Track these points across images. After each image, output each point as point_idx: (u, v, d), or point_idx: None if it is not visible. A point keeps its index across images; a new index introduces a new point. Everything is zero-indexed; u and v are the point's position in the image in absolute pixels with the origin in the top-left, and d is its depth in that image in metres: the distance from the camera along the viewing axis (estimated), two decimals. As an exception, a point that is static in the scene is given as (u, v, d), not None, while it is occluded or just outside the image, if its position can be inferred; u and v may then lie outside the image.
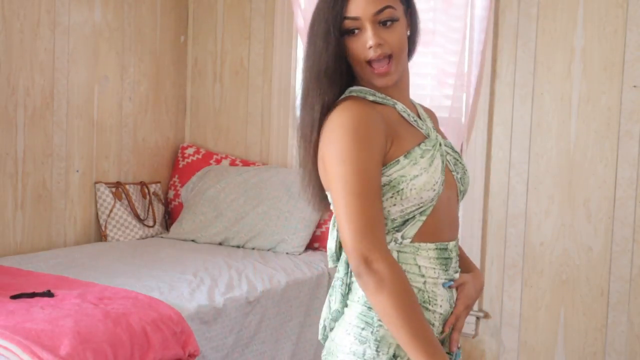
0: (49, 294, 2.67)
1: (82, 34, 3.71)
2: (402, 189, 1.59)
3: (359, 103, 1.61)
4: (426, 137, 1.68)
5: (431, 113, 1.87)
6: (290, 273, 3.28)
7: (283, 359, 3.11)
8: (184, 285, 2.95)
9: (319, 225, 3.74)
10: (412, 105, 1.76)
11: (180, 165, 4.22)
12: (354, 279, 1.63)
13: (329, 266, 1.76)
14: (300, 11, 3.75)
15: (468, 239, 3.60)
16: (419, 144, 1.64)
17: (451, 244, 1.68)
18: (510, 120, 3.50)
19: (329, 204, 1.72)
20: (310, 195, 1.73)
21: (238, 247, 3.74)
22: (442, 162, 1.66)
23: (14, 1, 3.38)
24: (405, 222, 1.63)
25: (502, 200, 3.53)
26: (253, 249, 3.70)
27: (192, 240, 3.83)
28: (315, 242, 3.74)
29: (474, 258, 3.58)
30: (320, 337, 1.76)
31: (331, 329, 1.71)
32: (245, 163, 4.11)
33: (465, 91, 3.48)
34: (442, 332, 1.66)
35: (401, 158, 1.61)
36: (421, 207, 1.62)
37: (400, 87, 1.71)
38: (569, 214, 3.39)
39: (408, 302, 1.50)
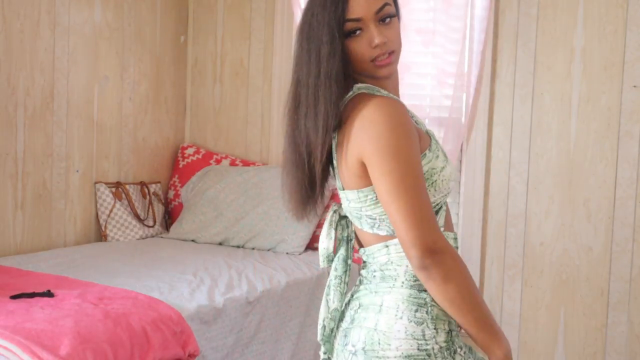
0: (49, 294, 2.67)
1: (82, 34, 3.71)
2: (435, 180, 1.62)
3: (390, 99, 1.60)
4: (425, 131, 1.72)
5: None
6: (290, 273, 3.28)
7: (283, 359, 3.11)
8: (184, 285, 2.95)
9: (319, 225, 3.74)
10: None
11: (180, 165, 4.22)
12: (373, 267, 1.65)
13: (321, 266, 1.74)
14: (300, 11, 3.75)
15: (468, 239, 3.59)
16: (431, 140, 1.67)
17: (454, 234, 1.71)
18: (510, 120, 3.50)
19: (311, 212, 1.72)
20: (294, 201, 1.72)
21: (238, 247, 3.74)
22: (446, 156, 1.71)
23: (13, 1, 3.38)
24: (437, 212, 1.64)
25: (502, 200, 3.53)
26: (253, 249, 3.70)
27: (192, 240, 3.83)
28: (315, 242, 3.74)
29: (474, 258, 3.58)
30: (319, 338, 1.75)
31: (331, 329, 1.70)
32: (245, 163, 4.11)
33: (465, 91, 3.48)
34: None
35: (427, 152, 1.63)
36: (445, 197, 1.66)
37: (394, 84, 1.72)
38: (569, 214, 3.39)
39: (473, 290, 1.55)
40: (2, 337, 2.25)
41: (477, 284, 3.57)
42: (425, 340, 1.59)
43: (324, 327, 1.72)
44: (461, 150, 3.57)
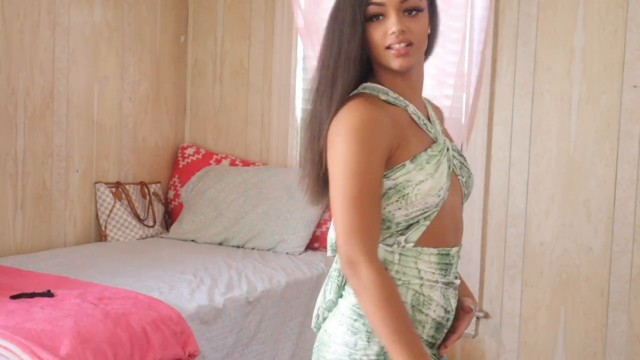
0: (49, 294, 2.67)
1: (82, 34, 3.71)
2: (408, 194, 1.60)
3: (367, 103, 1.60)
4: (434, 141, 1.67)
5: (438, 110, 1.85)
6: (290, 273, 3.28)
7: (283, 359, 3.11)
8: (184, 285, 2.95)
9: (319, 225, 3.74)
10: (423, 106, 1.74)
11: (180, 165, 4.22)
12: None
13: (328, 255, 1.75)
14: (300, 11, 3.75)
15: (468, 238, 3.59)
16: (425, 149, 1.63)
17: (454, 250, 1.68)
18: (510, 120, 3.50)
19: (325, 198, 1.71)
20: (307, 186, 1.72)
21: (238, 247, 3.74)
22: (449, 167, 1.66)
23: (13, 1, 3.38)
24: (409, 226, 1.63)
25: (502, 200, 3.53)
26: (253, 249, 3.70)
27: (192, 240, 3.83)
28: (315, 242, 3.74)
29: (474, 258, 3.58)
30: (313, 325, 1.77)
31: (324, 319, 1.71)
32: (245, 163, 4.11)
33: (465, 91, 3.48)
34: (436, 339, 1.66)
35: (407, 162, 1.61)
36: (425, 212, 1.62)
37: (413, 86, 1.70)
38: (569, 214, 3.39)
39: (389, 310, 1.51)
40: (2, 337, 2.25)
41: (477, 284, 3.58)
42: (356, 350, 1.60)
43: (318, 316, 1.73)
44: (461, 150, 3.57)
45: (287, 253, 3.62)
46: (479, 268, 3.59)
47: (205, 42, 4.28)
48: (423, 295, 1.63)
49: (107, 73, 3.86)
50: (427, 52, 1.74)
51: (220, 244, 3.78)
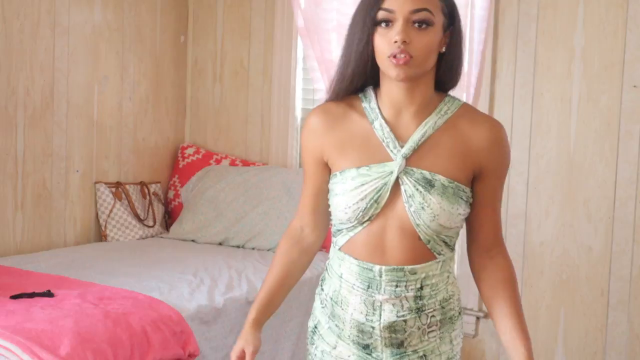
0: (49, 294, 2.67)
1: (82, 34, 3.71)
2: (331, 200, 1.75)
3: (319, 108, 1.76)
4: (385, 161, 1.68)
5: (473, 130, 1.73)
6: (290, 273, 3.27)
7: (283, 359, 3.11)
8: (184, 285, 2.95)
9: (319, 225, 3.73)
10: (410, 123, 1.71)
11: (180, 165, 4.22)
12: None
13: None
14: (300, 11, 3.75)
15: (468, 239, 3.59)
16: (360, 166, 1.68)
17: (378, 268, 1.70)
18: (510, 120, 3.50)
19: None
20: None
21: (238, 247, 3.74)
22: (380, 190, 1.67)
23: (14, 1, 3.38)
24: (337, 231, 1.77)
25: (502, 200, 3.52)
26: (253, 249, 3.70)
27: (192, 240, 3.83)
28: (315, 242, 3.73)
29: (474, 258, 3.58)
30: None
31: None
32: (245, 163, 4.11)
33: (465, 91, 3.48)
34: (364, 340, 1.77)
35: (337, 173, 1.72)
36: (344, 224, 1.73)
37: (406, 100, 1.70)
38: (569, 214, 3.39)
39: (268, 272, 1.86)
40: (2, 337, 2.25)
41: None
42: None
43: None
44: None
45: (287, 253, 3.61)
46: (479, 268, 3.58)
47: (205, 42, 4.28)
48: (341, 294, 1.76)
49: (107, 73, 3.86)
50: (448, 78, 1.73)
51: (220, 244, 3.78)
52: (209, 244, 3.79)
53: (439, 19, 1.64)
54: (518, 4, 3.44)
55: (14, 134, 3.43)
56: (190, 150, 4.23)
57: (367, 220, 1.70)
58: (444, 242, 1.74)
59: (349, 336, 1.76)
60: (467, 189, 1.73)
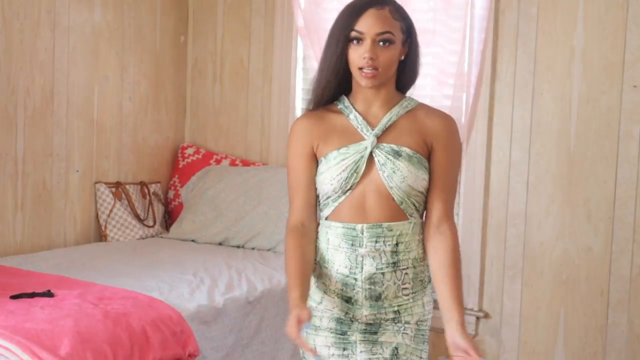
0: (49, 294, 2.67)
1: (82, 34, 3.71)
2: (317, 182, 2.14)
3: (301, 117, 2.19)
4: (360, 141, 2.10)
5: (431, 117, 2.19)
6: (290, 273, 3.27)
7: (283, 359, 3.11)
8: (184, 285, 2.95)
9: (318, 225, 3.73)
10: (378, 113, 2.15)
11: (180, 165, 4.22)
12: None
13: None
14: (300, 11, 3.75)
15: (468, 239, 3.59)
16: (339, 148, 2.10)
17: (360, 226, 2.09)
18: (510, 120, 3.50)
19: None
20: None
21: (238, 247, 3.74)
22: (357, 162, 2.09)
23: (14, 1, 3.38)
24: (323, 206, 2.16)
25: (502, 200, 3.52)
26: (253, 249, 3.70)
27: (192, 240, 3.83)
28: (315, 242, 3.74)
29: (474, 258, 3.58)
30: None
31: None
32: (245, 163, 4.11)
33: (465, 91, 3.48)
34: (347, 293, 2.11)
35: (322, 158, 2.13)
36: (330, 196, 2.12)
37: (376, 97, 2.14)
38: (569, 214, 3.39)
39: (286, 262, 2.10)
40: (2, 337, 2.25)
41: (477, 284, 3.58)
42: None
43: None
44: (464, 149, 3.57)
45: (287, 253, 3.62)
46: (479, 268, 3.59)
47: (205, 42, 4.28)
48: (326, 257, 2.13)
49: (107, 73, 3.86)
50: (408, 76, 2.18)
51: (220, 244, 3.79)
52: (209, 244, 3.79)
53: (398, 37, 2.08)
54: (518, 4, 3.44)
55: (14, 134, 3.43)
56: (190, 150, 4.23)
57: (349, 189, 2.10)
58: (413, 205, 2.11)
59: (334, 290, 2.12)
60: (426, 161, 2.12)
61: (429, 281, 2.16)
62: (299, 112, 4.04)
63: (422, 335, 2.15)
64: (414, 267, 2.12)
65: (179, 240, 3.85)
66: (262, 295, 3.03)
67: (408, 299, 2.11)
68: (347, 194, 2.10)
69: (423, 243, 2.13)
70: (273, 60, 4.06)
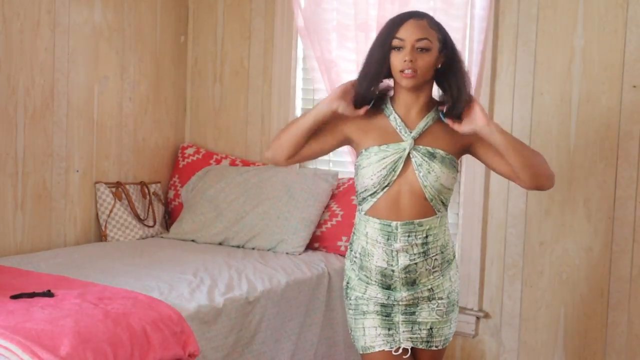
0: (49, 294, 2.67)
1: (82, 34, 3.71)
2: (357, 173, 2.44)
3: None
4: (399, 142, 2.39)
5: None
6: (290, 273, 3.28)
7: (283, 359, 3.11)
8: (184, 285, 2.95)
9: (319, 225, 3.74)
10: (415, 118, 2.43)
11: (180, 165, 4.22)
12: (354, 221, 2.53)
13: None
14: (300, 11, 3.75)
15: (468, 238, 3.60)
16: (381, 144, 2.39)
17: (395, 223, 2.39)
18: (510, 120, 3.50)
19: None
20: None
21: (238, 247, 3.74)
22: (396, 162, 2.37)
23: (14, 1, 3.38)
24: (362, 200, 2.44)
25: (502, 200, 3.52)
26: (253, 249, 3.70)
27: (192, 240, 3.83)
28: (315, 242, 3.74)
29: (474, 258, 3.58)
30: None
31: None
32: (245, 163, 4.11)
33: (465, 91, 3.47)
34: (387, 283, 2.44)
35: (363, 150, 2.42)
36: (368, 190, 2.41)
37: (415, 100, 2.42)
38: (569, 214, 3.39)
39: (291, 125, 2.49)
40: (2, 337, 2.25)
41: (477, 284, 3.59)
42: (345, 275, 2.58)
43: None
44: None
45: (287, 253, 3.62)
46: (479, 268, 3.59)
47: (205, 42, 4.28)
48: (367, 249, 2.44)
49: (107, 73, 3.86)
50: (447, 91, 2.41)
51: (220, 244, 3.78)
52: (209, 244, 3.79)
53: (435, 45, 2.36)
54: (518, 4, 3.44)
55: (14, 134, 3.43)
56: (190, 150, 4.23)
57: (386, 186, 2.38)
58: (441, 201, 2.43)
59: (375, 281, 2.44)
60: (457, 161, 2.44)
61: (454, 257, 2.52)
62: (299, 112, 4.05)
63: (452, 305, 2.49)
64: (442, 252, 2.45)
65: (179, 240, 3.85)
66: (262, 295, 3.03)
67: (438, 278, 2.45)
68: (385, 190, 2.39)
69: (447, 229, 2.48)
70: (273, 60, 4.06)
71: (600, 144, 3.31)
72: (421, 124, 2.41)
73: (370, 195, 2.40)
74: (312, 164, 4.03)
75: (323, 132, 2.48)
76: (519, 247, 3.51)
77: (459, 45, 3.42)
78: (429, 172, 2.37)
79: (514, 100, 3.49)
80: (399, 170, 2.37)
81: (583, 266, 3.37)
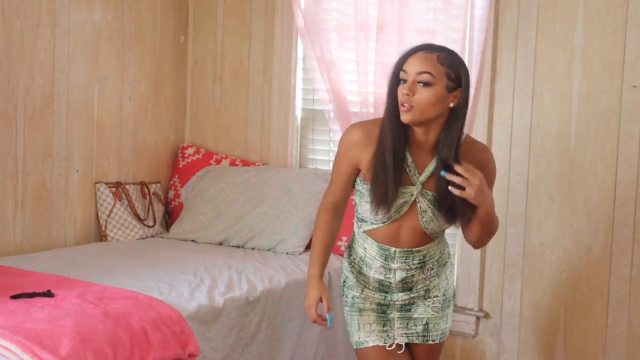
0: (49, 294, 2.67)
1: (82, 34, 3.71)
2: (359, 199, 2.42)
3: (361, 127, 2.43)
4: (408, 185, 2.34)
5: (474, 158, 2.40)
6: (290, 273, 3.28)
7: (283, 359, 3.11)
8: (184, 285, 2.95)
9: (319, 225, 3.73)
10: (425, 158, 2.35)
11: (180, 165, 4.22)
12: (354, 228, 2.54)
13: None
14: (300, 11, 3.75)
15: (468, 239, 3.59)
16: None
17: (393, 249, 2.41)
18: (510, 120, 3.50)
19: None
20: None
21: (238, 247, 3.74)
22: (402, 206, 2.34)
23: (14, 1, 3.38)
24: (362, 219, 2.45)
25: (502, 200, 3.52)
26: (253, 249, 3.70)
27: (192, 240, 3.83)
28: (315, 242, 3.73)
29: (474, 258, 3.58)
30: None
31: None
32: (245, 163, 4.11)
33: (465, 91, 3.47)
34: (385, 291, 2.47)
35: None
36: (368, 220, 2.41)
37: (423, 142, 2.34)
38: (569, 214, 3.39)
39: (315, 235, 2.50)
40: (2, 337, 2.26)
41: (477, 284, 3.59)
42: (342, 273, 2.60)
43: None
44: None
45: (287, 253, 3.62)
46: (479, 268, 3.59)
47: (205, 42, 4.28)
48: (365, 260, 2.46)
49: (107, 73, 3.86)
50: (457, 123, 2.29)
51: (220, 244, 3.79)
52: (209, 244, 3.79)
53: (440, 81, 2.23)
54: (518, 4, 3.44)
55: (14, 134, 3.43)
56: (190, 150, 4.23)
57: (387, 221, 2.38)
58: (442, 231, 2.47)
59: (372, 286, 2.48)
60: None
61: (449, 257, 2.54)
62: (299, 112, 4.05)
63: (448, 301, 2.51)
64: (437, 260, 2.48)
65: (179, 240, 3.85)
66: (262, 295, 3.03)
67: (434, 279, 2.48)
68: (385, 224, 2.39)
69: (444, 240, 2.51)
70: (273, 60, 4.06)
71: (600, 144, 3.31)
72: (430, 166, 2.36)
73: (371, 222, 2.42)
74: (312, 164, 4.03)
75: (346, 183, 2.47)
76: (519, 247, 3.51)
77: (458, 46, 3.45)
78: (432, 220, 2.37)
79: (514, 100, 3.49)
80: (403, 212, 2.36)
81: (583, 266, 3.37)
